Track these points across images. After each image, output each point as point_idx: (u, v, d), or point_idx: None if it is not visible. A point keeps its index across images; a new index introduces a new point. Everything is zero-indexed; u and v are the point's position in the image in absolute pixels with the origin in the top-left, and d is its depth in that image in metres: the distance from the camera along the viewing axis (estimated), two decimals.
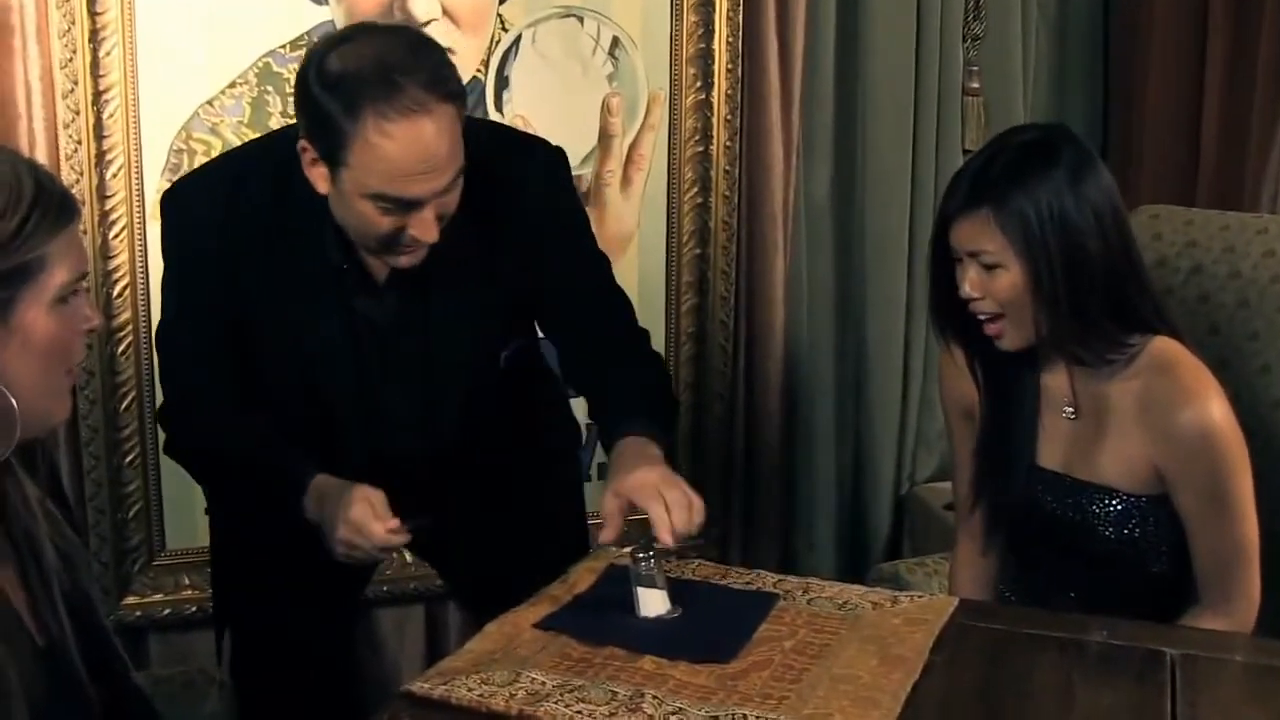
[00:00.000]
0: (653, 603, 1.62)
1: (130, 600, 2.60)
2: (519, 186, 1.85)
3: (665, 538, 1.64)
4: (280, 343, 1.83)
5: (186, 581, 2.63)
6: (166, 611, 2.62)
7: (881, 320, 3.05)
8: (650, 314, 2.87)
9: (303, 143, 1.71)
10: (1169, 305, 1.90)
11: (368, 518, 1.70)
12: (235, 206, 1.80)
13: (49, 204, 1.28)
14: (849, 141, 3.00)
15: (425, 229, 1.70)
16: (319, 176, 1.72)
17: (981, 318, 1.77)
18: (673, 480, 1.67)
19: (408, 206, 1.68)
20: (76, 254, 1.32)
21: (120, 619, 2.58)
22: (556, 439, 2.14)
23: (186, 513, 2.61)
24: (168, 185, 1.99)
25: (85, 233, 2.42)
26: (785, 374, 2.98)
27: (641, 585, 1.63)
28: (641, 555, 1.63)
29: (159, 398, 2.50)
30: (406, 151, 1.63)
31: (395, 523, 1.71)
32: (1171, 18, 2.97)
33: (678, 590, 1.69)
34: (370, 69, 1.64)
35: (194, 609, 2.62)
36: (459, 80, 1.71)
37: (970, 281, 1.75)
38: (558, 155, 1.93)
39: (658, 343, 2.82)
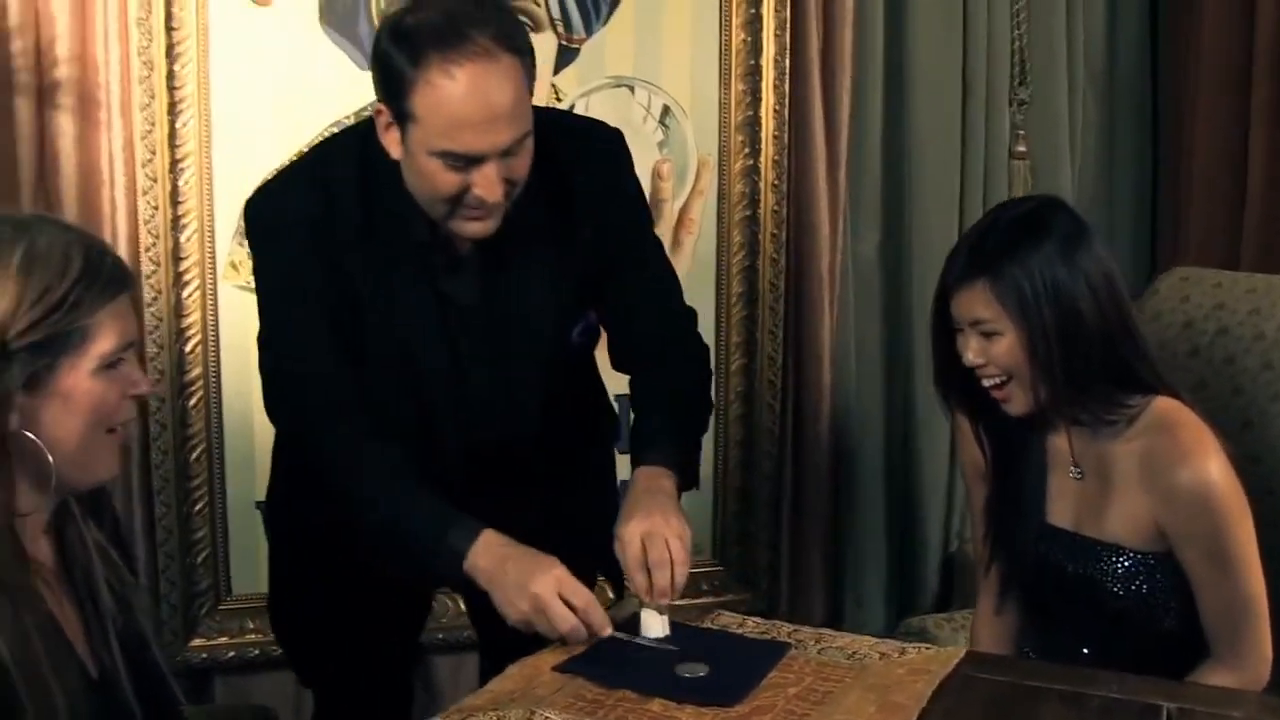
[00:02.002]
0: (653, 625, 1.74)
1: (197, 642, 2.72)
2: (580, 165, 1.86)
3: (647, 599, 1.73)
4: (377, 328, 1.82)
5: (251, 625, 2.74)
6: (231, 654, 2.74)
7: (929, 380, 3.08)
8: None
9: (377, 105, 1.71)
10: (1169, 366, 1.95)
11: (551, 594, 1.69)
12: (323, 196, 1.80)
13: (94, 278, 1.38)
14: (897, 204, 3.08)
15: (489, 187, 1.68)
16: (392, 141, 1.72)
17: (987, 384, 1.84)
18: (659, 534, 1.71)
19: (471, 162, 1.67)
20: (124, 324, 1.42)
21: (187, 660, 2.70)
22: (603, 422, 2.16)
23: (252, 559, 2.73)
24: (254, 196, 1.89)
25: (160, 294, 2.58)
26: (832, 432, 3.04)
27: (645, 608, 1.74)
28: None
29: (229, 442, 2.67)
30: (469, 97, 1.62)
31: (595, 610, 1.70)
32: (1217, 79, 3.02)
33: (692, 637, 1.77)
34: (439, 20, 1.65)
35: (257, 652, 2.74)
36: (528, 40, 1.71)
37: (972, 350, 1.82)
38: (616, 136, 1.95)
39: None
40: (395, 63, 1.67)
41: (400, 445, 1.82)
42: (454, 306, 1.85)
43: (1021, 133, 3.10)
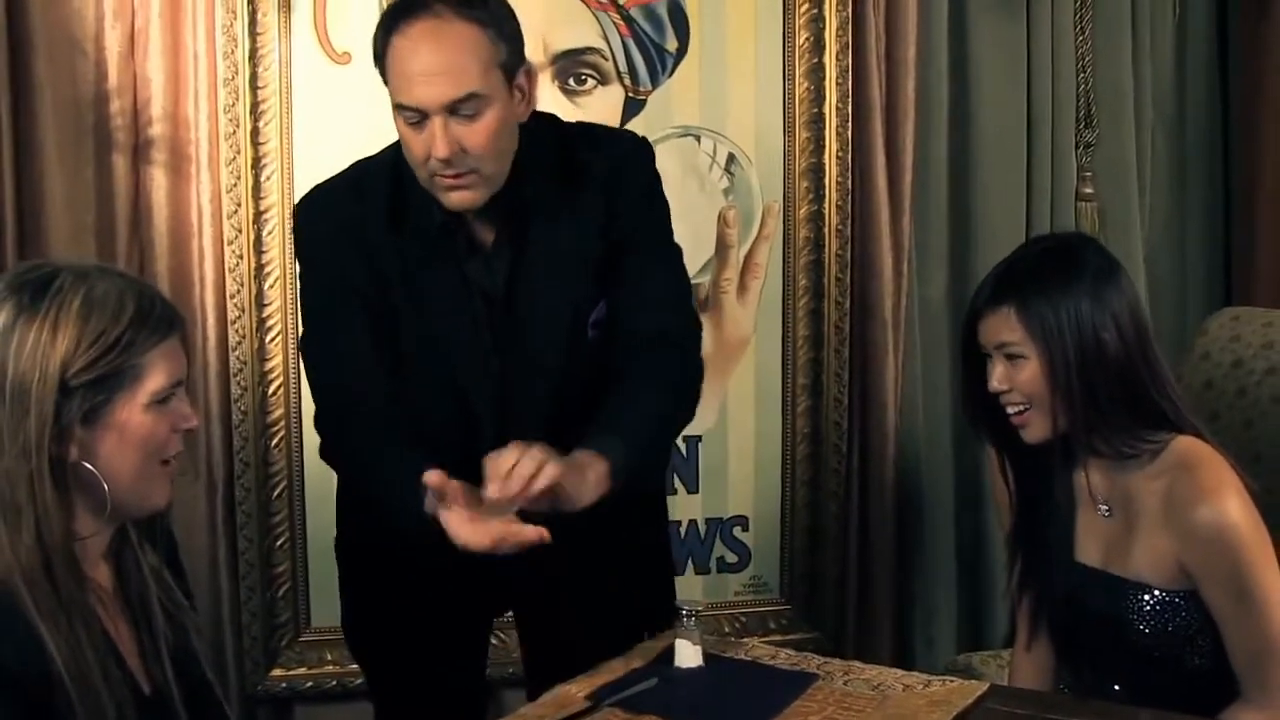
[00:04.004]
0: (687, 655, 1.80)
1: (277, 672, 2.83)
2: (595, 158, 1.95)
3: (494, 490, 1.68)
4: (411, 322, 1.92)
5: (329, 657, 2.84)
6: (310, 684, 2.84)
7: None
8: (767, 415, 3.02)
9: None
10: (1220, 405, 1.96)
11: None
12: (358, 196, 1.94)
13: (145, 321, 1.50)
14: (963, 248, 3.11)
15: (432, 142, 1.78)
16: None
17: (1010, 411, 1.87)
18: (534, 453, 1.67)
19: (424, 117, 1.79)
20: (173, 363, 1.53)
21: (268, 689, 2.82)
22: None
23: (331, 593, 2.78)
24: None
25: (244, 338, 2.72)
26: (899, 472, 3.07)
27: (680, 637, 1.80)
28: (685, 611, 1.81)
29: (309, 480, 2.79)
30: (413, 50, 1.78)
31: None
32: None
33: (724, 666, 1.83)
34: None
35: (334, 683, 2.84)
36: (495, 14, 1.83)
37: (997, 375, 1.86)
38: (641, 142, 2.04)
39: (773, 444, 3.01)
40: (375, 38, 1.85)
41: (430, 449, 1.85)
42: (481, 296, 1.93)
43: (1088, 174, 3.11)
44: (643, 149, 2.03)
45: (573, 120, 2.09)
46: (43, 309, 1.46)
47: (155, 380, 1.51)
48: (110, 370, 1.48)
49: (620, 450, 1.77)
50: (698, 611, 1.82)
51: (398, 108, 1.82)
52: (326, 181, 2.05)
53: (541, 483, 1.67)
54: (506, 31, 1.85)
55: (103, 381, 1.48)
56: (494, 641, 2.79)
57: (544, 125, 1.99)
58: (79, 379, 1.46)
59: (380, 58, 1.85)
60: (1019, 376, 1.84)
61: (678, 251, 2.03)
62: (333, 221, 1.96)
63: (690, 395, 2.01)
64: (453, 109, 1.79)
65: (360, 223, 1.93)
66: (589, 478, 1.74)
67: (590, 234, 1.93)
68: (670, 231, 2.03)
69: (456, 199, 1.85)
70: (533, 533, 1.70)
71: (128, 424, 1.50)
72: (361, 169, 2.00)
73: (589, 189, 1.93)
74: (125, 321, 1.49)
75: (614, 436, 1.79)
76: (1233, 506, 1.76)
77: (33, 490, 1.44)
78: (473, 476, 1.80)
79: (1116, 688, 1.88)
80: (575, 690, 1.76)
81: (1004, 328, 1.84)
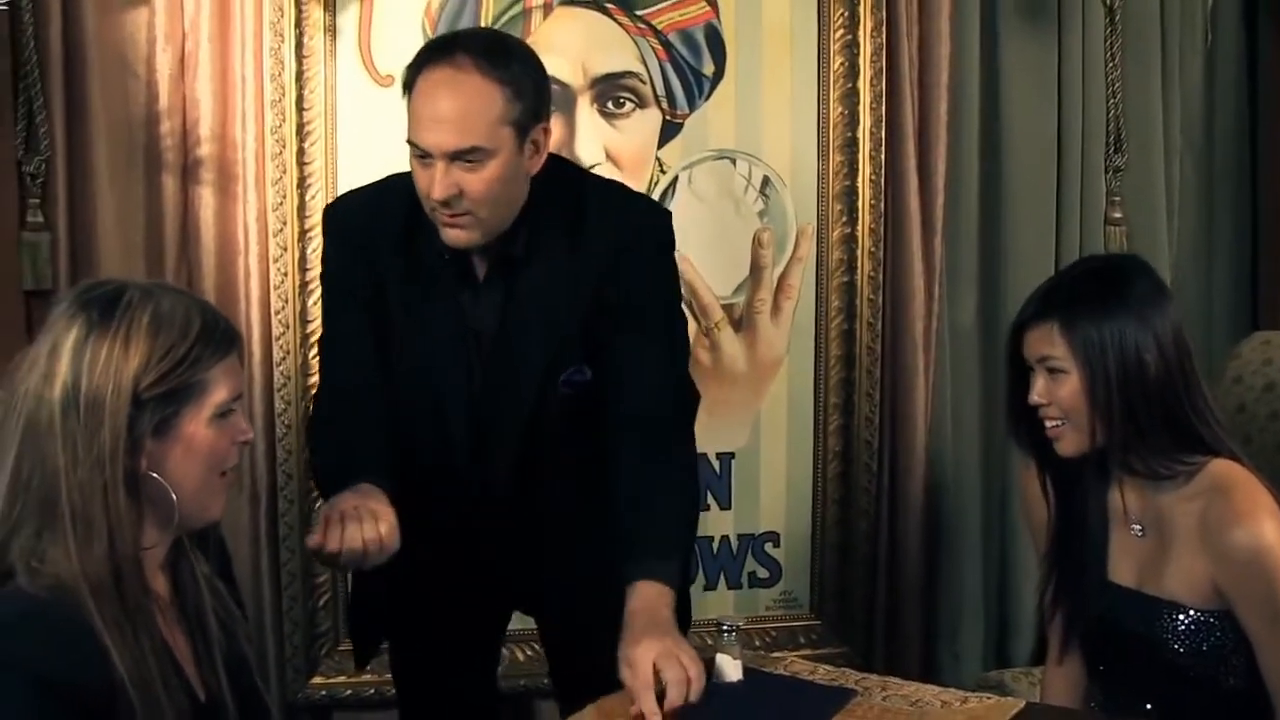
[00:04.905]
0: (728, 669, 1.83)
1: (317, 680, 2.90)
2: (607, 221, 2.00)
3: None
4: (409, 338, 2.00)
5: (368, 666, 2.88)
6: (349, 692, 2.90)
7: None
8: (799, 433, 3.07)
9: None
10: (1254, 429, 1.98)
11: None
12: (378, 207, 2.04)
13: (211, 337, 1.55)
14: (992, 271, 3.15)
15: (431, 184, 1.87)
16: None
17: (1048, 425, 1.91)
18: (671, 654, 1.73)
19: (426, 158, 1.87)
20: (234, 378, 1.58)
21: (308, 697, 2.89)
22: None
23: None
24: None
25: (288, 354, 2.78)
26: (928, 491, 3.10)
27: (721, 651, 1.84)
28: (726, 627, 1.85)
29: None
30: (427, 96, 1.87)
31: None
32: None
33: (764, 682, 1.87)
34: (445, 38, 1.96)
35: (372, 691, 2.89)
36: (516, 73, 1.89)
37: (1038, 389, 1.89)
38: (659, 209, 2.12)
39: (804, 462, 3.06)
40: (405, 72, 1.94)
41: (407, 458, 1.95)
42: (470, 326, 2.00)
43: (1117, 199, 3.14)
44: (658, 214, 2.10)
45: (608, 177, 2.17)
46: (114, 325, 1.50)
47: (219, 394, 1.56)
48: (180, 384, 1.53)
49: (678, 575, 1.88)
50: (738, 627, 1.87)
51: (409, 142, 1.91)
52: (355, 190, 2.14)
53: None
54: (526, 90, 1.91)
55: (172, 395, 1.52)
56: (529, 652, 2.88)
57: (567, 178, 2.06)
58: (151, 392, 1.50)
59: (407, 91, 1.93)
60: (1059, 391, 1.88)
61: (679, 319, 2.09)
62: (349, 232, 2.06)
63: (694, 470, 2.08)
64: (455, 156, 1.86)
65: (373, 239, 2.02)
66: (664, 613, 1.81)
67: (584, 288, 1.99)
68: (676, 297, 2.10)
69: (451, 236, 1.93)
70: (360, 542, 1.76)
71: (194, 437, 1.55)
72: (388, 185, 2.07)
73: (594, 245, 1.99)
74: (193, 337, 1.54)
75: (667, 562, 1.86)
76: (1268, 529, 1.78)
77: (106, 502, 1.48)
78: (445, 486, 1.97)
79: (1149, 707, 1.91)
80: (617, 705, 1.80)
81: (1047, 342, 1.88)
